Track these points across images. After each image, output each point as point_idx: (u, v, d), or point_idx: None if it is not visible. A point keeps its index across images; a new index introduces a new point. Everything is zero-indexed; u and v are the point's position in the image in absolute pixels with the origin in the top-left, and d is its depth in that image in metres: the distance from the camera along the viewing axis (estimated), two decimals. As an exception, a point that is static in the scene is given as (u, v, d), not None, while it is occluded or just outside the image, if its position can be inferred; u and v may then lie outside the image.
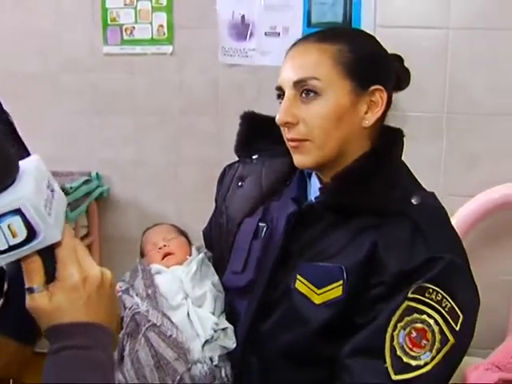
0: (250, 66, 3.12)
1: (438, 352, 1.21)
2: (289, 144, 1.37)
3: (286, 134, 1.36)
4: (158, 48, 3.24)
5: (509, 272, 3.01)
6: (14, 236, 0.88)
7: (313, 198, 1.40)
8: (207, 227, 1.73)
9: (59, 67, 3.36)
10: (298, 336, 1.33)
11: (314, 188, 1.43)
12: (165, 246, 1.68)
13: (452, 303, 1.22)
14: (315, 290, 1.31)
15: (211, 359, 1.40)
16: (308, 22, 3.00)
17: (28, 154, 1.70)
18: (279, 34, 3.06)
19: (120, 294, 1.49)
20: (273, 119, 1.50)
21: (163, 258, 1.65)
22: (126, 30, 3.25)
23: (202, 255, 1.61)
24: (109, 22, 3.25)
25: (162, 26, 3.20)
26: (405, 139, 1.42)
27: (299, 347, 1.34)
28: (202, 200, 3.43)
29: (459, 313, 1.23)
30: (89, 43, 3.31)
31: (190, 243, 1.75)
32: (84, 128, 3.41)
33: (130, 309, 1.45)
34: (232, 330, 1.45)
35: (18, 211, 0.86)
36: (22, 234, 0.88)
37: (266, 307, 1.39)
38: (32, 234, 0.88)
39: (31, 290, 0.95)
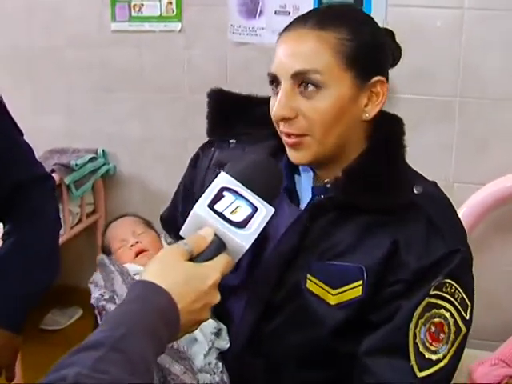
0: (260, 45, 3.08)
1: (453, 343, 1.22)
2: (285, 139, 1.27)
3: (282, 127, 1.26)
4: (167, 25, 3.22)
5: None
6: (233, 213, 1.08)
7: (319, 195, 1.32)
8: (169, 213, 1.61)
9: (66, 43, 3.35)
10: (311, 337, 1.28)
11: (305, 181, 1.36)
12: (137, 242, 1.53)
13: (463, 294, 1.23)
14: (330, 290, 1.25)
15: (209, 364, 1.32)
16: (319, 1, 2.96)
17: (20, 133, 1.70)
18: (289, 12, 3.02)
19: (103, 303, 1.35)
20: (245, 98, 1.44)
21: (136, 256, 1.51)
22: (134, 6, 3.23)
23: None
24: (117, -2, 3.23)
25: (170, 3, 3.18)
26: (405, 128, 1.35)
27: (311, 348, 1.29)
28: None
29: (468, 302, 1.24)
30: (97, 20, 3.29)
31: (158, 235, 1.61)
32: (91, 105, 3.40)
33: None
34: (226, 330, 1.36)
35: (256, 208, 1.10)
36: (238, 218, 1.08)
37: (269, 307, 1.31)
38: (241, 224, 1.07)
39: (185, 244, 1.06)
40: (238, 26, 3.09)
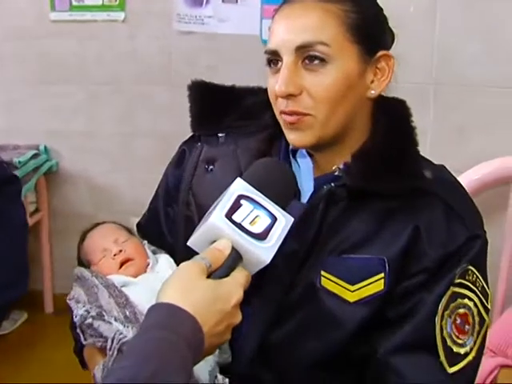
0: (207, 34, 3.04)
1: (478, 335, 1.17)
2: (284, 118, 1.19)
3: (284, 106, 1.17)
4: (109, 14, 3.14)
5: (496, 249, 2.96)
6: (252, 224, 1.01)
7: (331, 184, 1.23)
8: (149, 220, 1.50)
9: (2, 35, 3.24)
10: (329, 340, 1.19)
11: (306, 169, 1.28)
12: (120, 251, 1.39)
13: (482, 281, 1.19)
14: (348, 286, 1.17)
15: (216, 380, 1.20)
16: (266, -12, 2.92)
17: None
18: (237, 1, 2.98)
19: (90, 320, 1.22)
20: (231, 89, 1.37)
21: (121, 267, 1.37)
22: (75, -5, 3.13)
23: (165, 256, 1.40)
24: (56, -14, 3.12)
25: (113, -9, 3.09)
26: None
27: (330, 353, 1.20)
28: (156, 172, 3.36)
29: (487, 290, 1.20)
30: (35, 9, 3.19)
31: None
32: (30, 98, 3.30)
33: (113, 339, 1.17)
34: (227, 342, 1.20)
35: (275, 218, 1.03)
36: (258, 229, 1.01)
37: (280, 313, 1.22)
38: (261, 236, 1.01)
39: (202, 258, 0.99)
40: (185, 14, 3.03)
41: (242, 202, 1.02)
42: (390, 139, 1.21)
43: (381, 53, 1.19)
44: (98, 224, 1.50)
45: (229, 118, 1.36)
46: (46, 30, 3.20)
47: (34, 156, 3.20)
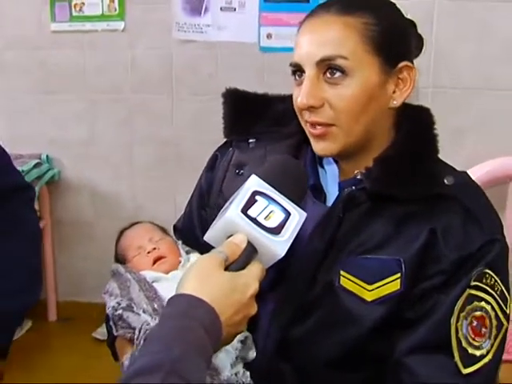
0: (206, 42, 3.06)
1: (496, 338, 1.19)
2: (309, 129, 1.23)
3: (307, 117, 1.22)
4: (109, 24, 3.15)
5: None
6: (267, 219, 1.04)
7: (352, 187, 1.27)
8: (185, 222, 1.54)
9: (4, 45, 3.25)
10: (347, 338, 1.22)
11: (331, 175, 1.32)
12: (154, 248, 1.47)
13: (501, 286, 1.20)
14: (365, 285, 1.20)
15: (237, 374, 1.25)
16: (264, -5, 2.95)
17: None
18: (235, 9, 3.00)
19: (120, 312, 1.29)
20: (262, 96, 1.40)
21: (154, 263, 1.45)
22: (75, 5, 3.15)
23: (196, 254, 1.46)
24: (57, -3, 3.14)
25: (112, 1, 3.11)
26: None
27: (347, 350, 1.23)
28: (157, 179, 3.41)
29: (507, 295, 1.21)
30: (36, 20, 3.20)
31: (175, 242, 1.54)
32: (32, 107, 3.31)
33: (140, 330, 1.24)
34: (251, 338, 1.29)
35: (289, 213, 1.06)
36: (272, 224, 1.04)
37: (300, 310, 1.26)
38: (276, 230, 1.04)
39: (220, 252, 1.02)
40: (184, 23, 3.05)
41: (257, 197, 1.06)
42: (411, 146, 1.24)
43: (402, 63, 1.21)
44: (134, 223, 1.59)
45: (259, 124, 1.40)
46: (46, 41, 3.21)
47: (37, 165, 3.21)
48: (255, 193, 1.07)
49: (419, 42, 1.31)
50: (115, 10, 3.12)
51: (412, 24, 1.30)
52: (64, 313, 3.50)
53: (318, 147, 1.24)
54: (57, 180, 3.36)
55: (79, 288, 3.49)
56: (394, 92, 1.22)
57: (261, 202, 1.06)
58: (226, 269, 1.01)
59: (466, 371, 1.16)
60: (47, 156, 3.32)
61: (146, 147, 3.23)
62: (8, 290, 1.55)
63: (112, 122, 3.27)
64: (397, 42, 1.21)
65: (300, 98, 1.19)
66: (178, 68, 3.14)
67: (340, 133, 1.20)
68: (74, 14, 3.16)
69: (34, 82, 3.28)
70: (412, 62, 1.24)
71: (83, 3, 3.13)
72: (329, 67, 1.18)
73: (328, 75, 1.18)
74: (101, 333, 3.18)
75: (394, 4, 1.28)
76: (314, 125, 1.21)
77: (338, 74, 1.17)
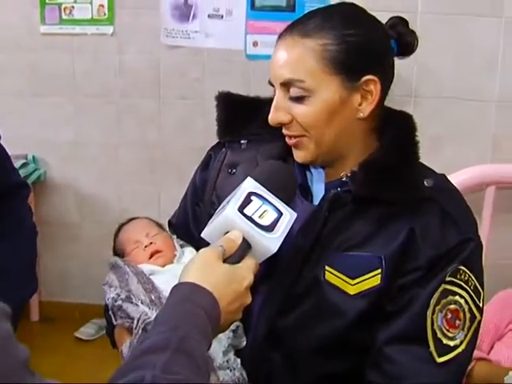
0: (193, 48, 3.10)
1: (469, 330, 1.27)
2: (287, 140, 1.33)
3: (283, 130, 1.32)
4: (98, 28, 3.17)
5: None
6: (261, 218, 1.14)
7: (337, 188, 1.34)
8: (180, 218, 1.62)
9: (-7, 46, 3.25)
10: (332, 328, 1.30)
11: (318, 176, 1.38)
12: (151, 243, 1.53)
13: (475, 281, 1.28)
14: (349, 280, 1.28)
15: (228, 361, 1.32)
16: (252, 5, 2.98)
17: None
18: (222, 16, 3.03)
19: (120, 302, 1.36)
20: (254, 99, 1.48)
21: (151, 257, 1.51)
22: (64, 9, 3.17)
23: (190, 248, 1.53)
24: (47, 0, 3.16)
25: (102, 5, 3.13)
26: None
27: (332, 339, 1.31)
28: (143, 182, 3.44)
29: (480, 290, 1.29)
30: (25, 23, 3.22)
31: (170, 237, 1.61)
32: (20, 109, 3.32)
33: (138, 320, 1.30)
34: (242, 327, 1.36)
35: (281, 213, 1.16)
36: (266, 222, 1.13)
37: (288, 301, 1.33)
38: (269, 228, 1.13)
39: (219, 246, 1.10)
40: (172, 29, 3.08)
41: (253, 198, 1.16)
42: (394, 151, 1.32)
43: (365, 77, 1.26)
44: (132, 219, 1.66)
45: (250, 126, 1.47)
46: (36, 43, 3.22)
47: (23, 165, 3.21)
48: (251, 193, 1.16)
49: (411, 36, 1.41)
50: (105, 14, 3.14)
51: (401, 21, 1.37)
52: (47, 313, 3.52)
53: (295, 155, 1.34)
54: (43, 180, 3.37)
55: (62, 288, 3.51)
56: (360, 104, 1.28)
57: (256, 202, 1.15)
58: (225, 261, 1.10)
59: (440, 360, 1.24)
60: (33, 156, 3.33)
61: (132, 150, 3.26)
62: (9, 285, 1.59)
63: (99, 125, 3.29)
64: (359, 59, 1.26)
65: (270, 116, 1.29)
66: (166, 73, 3.17)
67: (310, 143, 1.29)
68: (64, 17, 3.17)
69: (23, 84, 3.29)
70: (379, 74, 1.27)
71: (73, 7, 3.15)
72: (290, 88, 1.26)
73: (291, 94, 1.26)
74: (83, 333, 3.21)
75: (367, 15, 1.32)
76: (289, 136, 1.31)
77: (299, 94, 1.25)
